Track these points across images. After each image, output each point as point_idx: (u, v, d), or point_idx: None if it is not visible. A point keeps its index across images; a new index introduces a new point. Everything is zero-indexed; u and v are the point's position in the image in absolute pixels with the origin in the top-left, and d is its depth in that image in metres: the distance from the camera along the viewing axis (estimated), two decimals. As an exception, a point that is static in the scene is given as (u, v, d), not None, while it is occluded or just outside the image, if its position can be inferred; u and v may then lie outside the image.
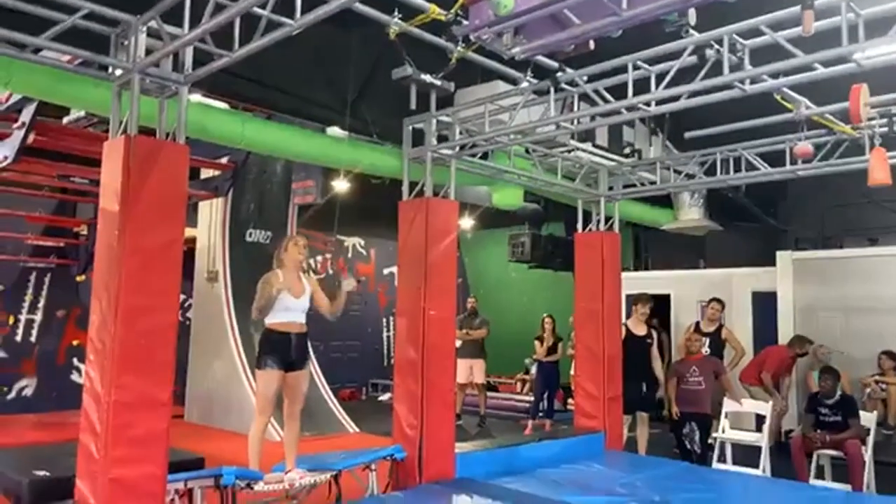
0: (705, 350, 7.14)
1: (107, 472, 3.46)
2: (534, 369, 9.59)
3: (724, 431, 6.61)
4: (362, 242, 12.95)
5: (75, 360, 9.07)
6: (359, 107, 6.16)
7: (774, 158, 6.06)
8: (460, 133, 5.60)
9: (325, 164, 7.48)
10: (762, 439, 6.40)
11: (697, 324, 7.72)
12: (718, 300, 7.69)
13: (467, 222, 11.31)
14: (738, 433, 6.72)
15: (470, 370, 8.94)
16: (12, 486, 4.06)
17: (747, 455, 6.38)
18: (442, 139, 5.61)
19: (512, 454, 5.78)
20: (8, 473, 4.33)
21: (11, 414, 8.40)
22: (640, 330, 6.95)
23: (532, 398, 9.33)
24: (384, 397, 11.42)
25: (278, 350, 4.53)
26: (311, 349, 4.80)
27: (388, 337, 12.95)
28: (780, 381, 7.63)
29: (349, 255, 12.77)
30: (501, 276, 13.59)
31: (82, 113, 5.84)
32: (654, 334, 7.12)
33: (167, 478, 3.75)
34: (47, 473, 4.61)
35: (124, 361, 3.56)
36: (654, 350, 6.98)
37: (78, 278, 8.93)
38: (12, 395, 8.81)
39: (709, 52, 4.02)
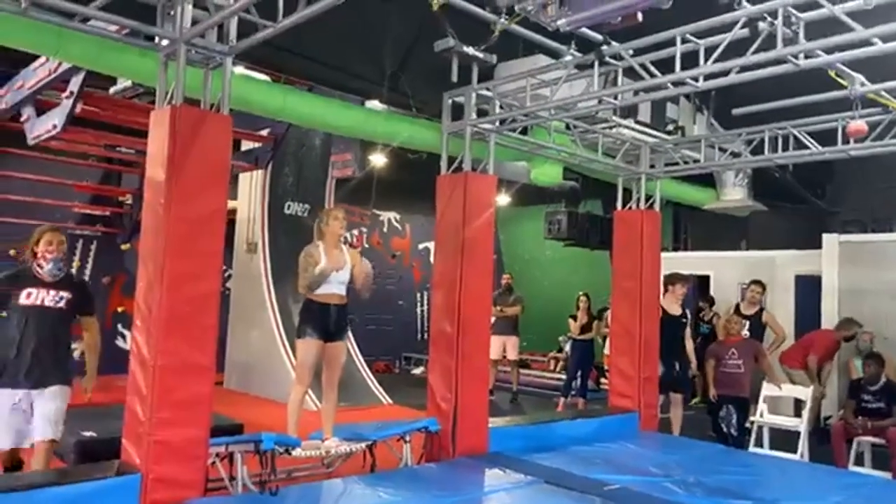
0: (745, 333, 7.02)
1: (152, 433, 3.56)
2: (567, 347, 9.55)
3: (762, 415, 6.52)
4: (398, 217, 12.99)
5: (120, 326, 9.30)
6: (398, 80, 6.14)
7: (825, 137, 5.87)
8: (500, 107, 5.55)
9: (363, 138, 7.50)
10: (801, 424, 6.30)
11: (738, 306, 7.58)
12: (759, 282, 7.53)
13: (503, 199, 11.24)
14: (776, 417, 6.62)
15: (503, 347, 8.96)
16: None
17: (785, 440, 6.29)
18: (481, 113, 5.57)
19: (545, 431, 5.79)
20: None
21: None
22: (676, 310, 6.85)
23: (565, 376, 9.31)
24: (417, 371, 11.53)
25: (318, 320, 4.59)
26: (349, 320, 4.84)
27: (422, 311, 13.02)
28: (822, 366, 7.47)
29: (385, 229, 12.84)
30: (536, 254, 13.53)
31: (128, 83, 5.93)
32: (689, 314, 7.03)
33: (209, 441, 3.85)
34: (94, 434, 4.79)
35: (169, 327, 3.64)
36: (688, 330, 6.91)
37: (123, 247, 9.13)
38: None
39: (762, 25, 3.89)
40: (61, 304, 3.97)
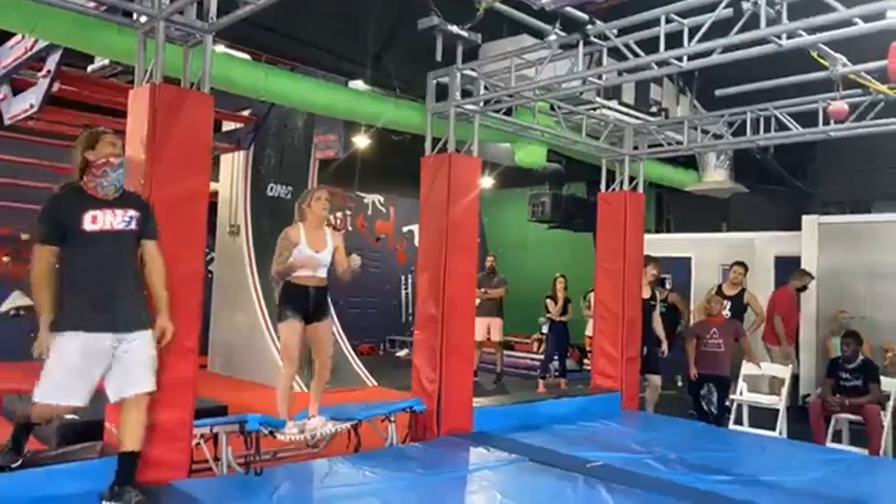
0: (726, 313, 7.11)
1: (135, 415, 3.54)
2: (546, 328, 9.62)
3: (741, 394, 6.63)
4: (382, 199, 12.95)
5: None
6: (382, 60, 6.09)
7: (807, 119, 5.91)
8: (485, 88, 5.53)
9: (347, 118, 7.43)
10: (780, 402, 6.41)
11: (720, 286, 7.67)
12: (742, 263, 7.62)
13: (487, 181, 11.24)
14: (755, 396, 6.73)
15: (487, 328, 8.98)
16: (42, 430, 4.17)
17: (764, 418, 6.40)
18: (466, 94, 5.54)
19: (529, 410, 5.85)
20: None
21: (36, 360, 8.59)
22: (646, 292, 6.92)
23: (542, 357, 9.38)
24: (402, 353, 11.56)
25: (296, 302, 4.54)
26: (330, 303, 4.80)
27: (407, 294, 13.04)
28: (788, 324, 7.56)
29: (369, 211, 12.80)
30: (520, 236, 13.56)
31: (106, 62, 5.81)
32: (658, 296, 7.11)
33: (193, 423, 3.84)
34: (76, 417, 4.73)
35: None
36: (657, 312, 7.00)
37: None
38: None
39: (745, 5, 3.89)
40: (132, 226, 3.36)
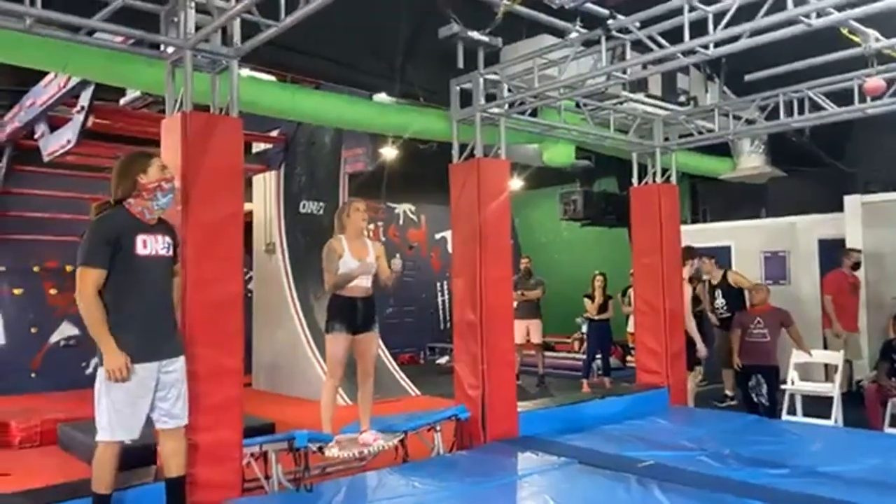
0: (720, 302, 6.98)
1: (186, 438, 3.59)
2: (585, 328, 9.52)
3: (793, 383, 6.47)
4: (413, 208, 12.99)
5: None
6: (405, 71, 6.11)
7: (841, 97, 5.75)
8: (508, 91, 5.51)
9: (374, 131, 7.48)
10: (833, 389, 6.23)
11: (709, 282, 7.63)
12: (697, 254, 7.28)
13: (517, 183, 11.19)
14: (807, 384, 6.56)
15: (526, 330, 8.94)
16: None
17: (819, 407, 6.23)
18: (490, 98, 5.53)
19: (575, 412, 5.79)
20: (91, 443, 4.55)
21: (90, 388, 8.81)
22: (696, 287, 6.84)
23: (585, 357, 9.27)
24: (442, 360, 11.55)
25: (345, 314, 4.60)
26: (376, 313, 4.83)
27: (443, 301, 13.04)
28: (842, 305, 7.42)
29: (400, 221, 12.85)
30: (553, 236, 13.47)
31: (137, 93, 5.95)
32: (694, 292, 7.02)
33: (243, 442, 3.89)
34: (128, 442, 4.84)
35: (195, 333, 3.67)
36: (688, 310, 6.82)
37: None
38: (90, 369, 9.25)
39: (771, -13, 3.81)
40: (170, 253, 3.38)
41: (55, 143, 6.56)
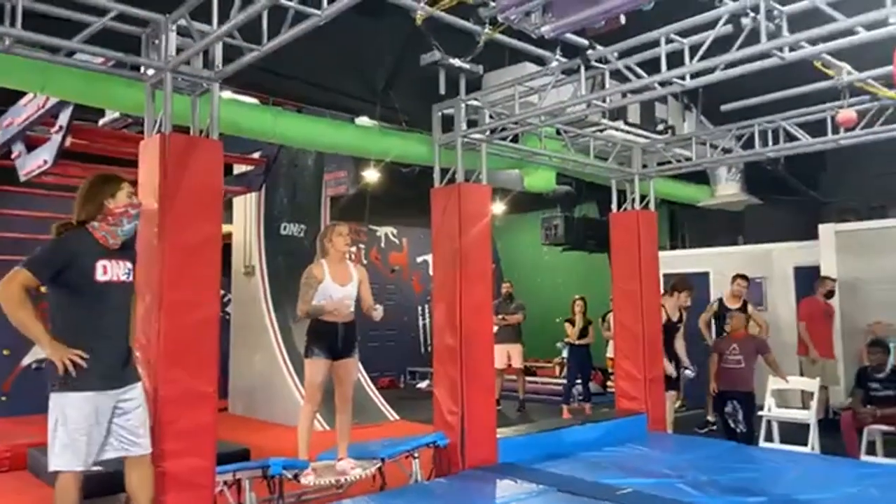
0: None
1: (157, 465, 3.52)
2: (565, 353, 9.54)
3: (770, 410, 6.50)
4: (395, 231, 12.99)
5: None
6: (387, 95, 6.15)
7: (815, 128, 5.88)
8: (490, 117, 5.55)
9: (356, 155, 7.50)
10: (810, 416, 6.27)
11: (720, 300, 7.60)
12: (744, 276, 7.53)
13: (499, 207, 11.25)
14: (784, 411, 6.60)
15: (507, 355, 8.92)
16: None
17: (796, 433, 6.26)
18: (472, 124, 5.57)
19: (554, 438, 5.76)
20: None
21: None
22: (675, 314, 6.91)
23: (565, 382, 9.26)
24: (422, 385, 11.48)
25: (325, 339, 4.56)
26: (357, 339, 4.79)
27: (424, 325, 12.99)
28: (813, 332, 7.51)
29: (382, 244, 12.83)
30: (535, 260, 13.53)
31: (117, 114, 5.93)
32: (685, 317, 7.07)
33: (215, 469, 3.82)
34: (100, 469, 4.72)
35: (169, 356, 3.61)
36: (681, 333, 6.97)
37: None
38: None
39: (745, 21, 3.89)
40: (130, 278, 3.31)
41: (32, 163, 6.48)
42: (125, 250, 3.35)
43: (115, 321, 3.28)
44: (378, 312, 4.67)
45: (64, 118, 5.86)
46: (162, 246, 3.66)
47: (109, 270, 3.21)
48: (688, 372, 6.95)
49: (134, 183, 3.79)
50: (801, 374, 7.28)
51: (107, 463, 3.57)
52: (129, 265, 3.33)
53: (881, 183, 8.62)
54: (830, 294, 7.78)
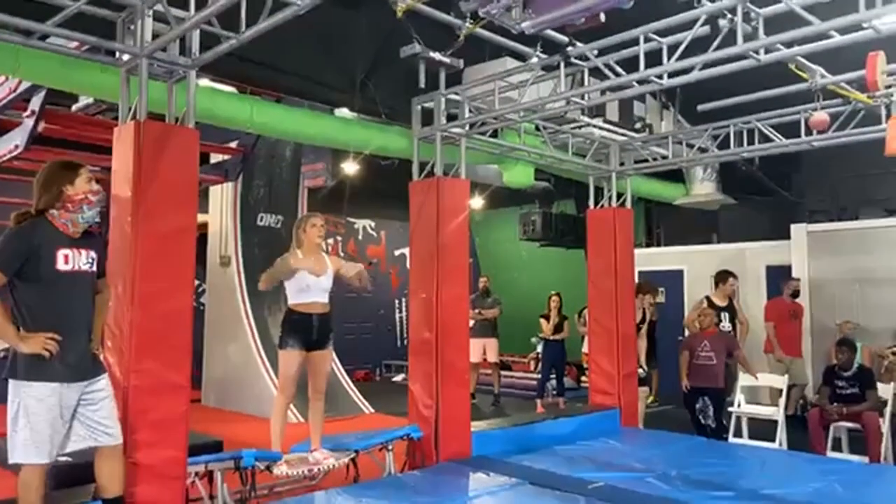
0: (726, 325, 7.08)
1: (128, 456, 3.48)
2: (540, 347, 9.60)
3: (739, 406, 6.61)
4: (373, 224, 12.95)
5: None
6: (367, 87, 6.12)
7: (789, 130, 5.98)
8: (470, 111, 5.56)
9: (334, 146, 7.45)
10: (778, 413, 6.39)
11: (709, 298, 7.68)
12: (734, 274, 7.62)
13: (477, 202, 11.27)
14: (754, 407, 6.72)
15: (483, 349, 8.96)
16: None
17: (765, 429, 6.38)
18: (451, 118, 5.57)
19: (528, 432, 5.81)
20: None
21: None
22: (639, 315, 6.97)
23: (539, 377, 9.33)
24: (398, 378, 11.48)
25: (299, 330, 4.54)
26: (332, 331, 4.77)
27: (401, 318, 12.99)
28: (778, 328, 7.65)
29: (360, 237, 12.79)
30: (512, 256, 13.58)
31: (91, 100, 5.83)
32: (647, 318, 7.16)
33: (187, 460, 3.79)
34: (69, 459, 4.66)
35: (141, 346, 3.58)
36: (643, 332, 7.02)
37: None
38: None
39: (722, 22, 3.94)
40: (94, 268, 3.21)
41: (3, 148, 6.35)
42: (88, 239, 3.24)
43: (78, 312, 3.18)
44: (363, 272, 4.74)
45: (36, 102, 5.76)
46: (135, 235, 3.61)
47: (71, 260, 3.11)
48: (640, 371, 6.98)
49: (108, 170, 3.74)
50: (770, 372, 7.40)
51: (77, 454, 3.51)
52: (92, 254, 3.22)
53: (852, 184, 8.78)
54: (796, 294, 7.94)
